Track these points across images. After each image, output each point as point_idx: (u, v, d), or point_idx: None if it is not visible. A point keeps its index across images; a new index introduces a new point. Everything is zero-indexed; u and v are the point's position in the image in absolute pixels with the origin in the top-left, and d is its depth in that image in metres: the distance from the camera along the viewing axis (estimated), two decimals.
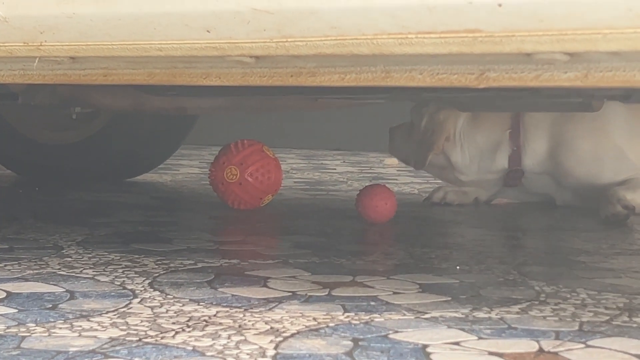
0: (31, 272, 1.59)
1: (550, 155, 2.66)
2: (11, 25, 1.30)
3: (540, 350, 1.17)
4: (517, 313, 1.37)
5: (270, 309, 1.35)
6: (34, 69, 1.34)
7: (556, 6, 1.03)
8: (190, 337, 1.19)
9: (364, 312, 1.35)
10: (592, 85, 1.12)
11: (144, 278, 1.55)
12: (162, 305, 1.36)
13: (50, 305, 1.34)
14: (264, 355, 1.12)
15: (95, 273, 1.59)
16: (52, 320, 1.26)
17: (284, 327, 1.25)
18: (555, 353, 1.16)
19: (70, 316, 1.28)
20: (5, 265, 1.63)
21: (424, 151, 2.68)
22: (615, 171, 2.61)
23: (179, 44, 1.23)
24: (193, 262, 1.71)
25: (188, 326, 1.24)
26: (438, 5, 1.07)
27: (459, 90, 1.82)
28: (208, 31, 1.20)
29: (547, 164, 2.67)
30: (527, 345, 1.19)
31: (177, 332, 1.21)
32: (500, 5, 1.05)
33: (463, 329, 1.27)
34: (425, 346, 1.18)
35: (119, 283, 1.51)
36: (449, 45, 1.09)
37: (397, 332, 1.25)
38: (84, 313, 1.30)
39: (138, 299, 1.40)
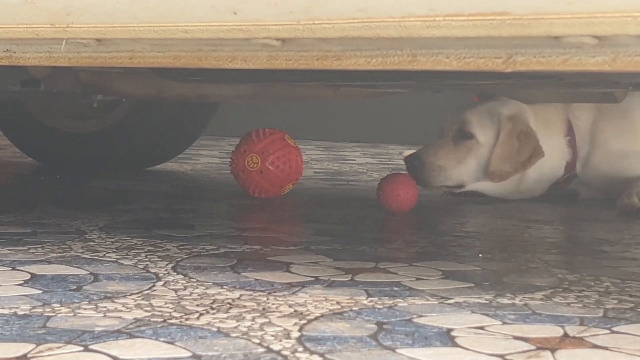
0: (55, 255, 1.59)
1: (587, 154, 2.67)
2: (38, 7, 1.30)
3: (566, 335, 1.17)
4: (541, 299, 1.37)
5: (293, 293, 1.35)
6: (61, 51, 1.34)
7: None
8: (214, 318, 1.19)
9: (387, 297, 1.35)
10: (620, 69, 1.11)
11: (167, 262, 1.56)
12: (185, 288, 1.37)
13: (75, 287, 1.35)
14: (288, 336, 1.12)
15: (118, 257, 1.59)
16: (77, 301, 1.27)
17: (307, 310, 1.25)
18: (581, 338, 1.16)
19: (95, 297, 1.29)
20: (29, 249, 1.64)
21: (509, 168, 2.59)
22: None
23: (206, 26, 1.23)
24: (215, 247, 1.72)
25: (212, 308, 1.25)
26: None
27: (483, 76, 1.81)
28: (235, 13, 1.20)
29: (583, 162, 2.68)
30: (552, 331, 1.19)
31: (201, 314, 1.21)
32: None
33: (487, 314, 1.27)
34: (450, 330, 1.17)
35: (142, 266, 1.51)
36: (477, 28, 1.09)
37: (421, 316, 1.24)
38: (108, 294, 1.31)
39: (162, 282, 1.40)
